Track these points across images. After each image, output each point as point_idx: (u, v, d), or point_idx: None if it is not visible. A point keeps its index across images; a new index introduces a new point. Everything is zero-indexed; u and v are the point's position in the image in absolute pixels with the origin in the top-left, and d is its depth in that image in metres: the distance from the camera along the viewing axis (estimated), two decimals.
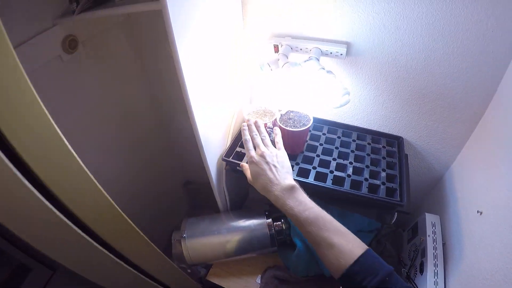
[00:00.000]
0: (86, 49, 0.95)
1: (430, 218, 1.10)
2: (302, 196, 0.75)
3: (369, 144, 1.07)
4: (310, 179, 0.94)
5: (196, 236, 1.07)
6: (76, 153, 0.83)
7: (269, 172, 0.78)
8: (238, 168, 1.01)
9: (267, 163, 0.79)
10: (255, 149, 0.84)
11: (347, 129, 1.13)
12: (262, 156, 0.80)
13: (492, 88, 0.92)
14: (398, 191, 0.95)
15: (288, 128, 0.93)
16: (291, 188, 0.75)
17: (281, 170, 0.79)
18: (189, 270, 1.15)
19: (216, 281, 1.16)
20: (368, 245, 1.20)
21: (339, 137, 1.08)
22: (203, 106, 0.85)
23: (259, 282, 1.15)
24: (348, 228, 1.11)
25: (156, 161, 1.38)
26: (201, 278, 1.18)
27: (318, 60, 0.93)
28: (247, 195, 1.41)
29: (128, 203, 1.24)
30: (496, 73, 0.88)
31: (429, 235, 1.06)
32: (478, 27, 0.81)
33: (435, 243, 1.05)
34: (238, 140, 1.06)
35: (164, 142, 1.39)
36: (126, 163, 1.22)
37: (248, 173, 0.86)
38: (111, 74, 1.08)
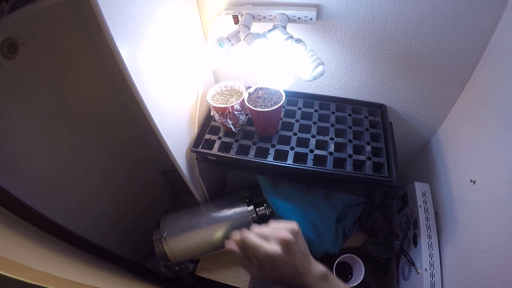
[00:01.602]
0: (28, 51, 0.82)
1: (420, 187, 1.05)
2: (337, 282, 0.59)
3: (349, 115, 0.99)
4: (289, 162, 0.86)
5: (176, 234, 1.01)
6: (43, 164, 0.78)
7: (296, 263, 0.56)
8: (209, 157, 0.93)
9: (294, 253, 0.57)
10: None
11: (325, 100, 1.04)
12: (286, 246, 0.55)
13: (479, 49, 0.84)
14: (385, 166, 0.88)
15: (258, 109, 0.84)
16: (324, 277, 0.58)
17: (306, 254, 0.59)
18: (177, 268, 1.10)
19: (205, 275, 1.12)
20: (358, 219, 1.17)
21: (316, 111, 0.99)
22: (157, 96, 0.75)
23: None
24: (337, 206, 1.07)
25: (131, 156, 1.29)
26: (191, 273, 1.14)
27: (284, 28, 0.83)
28: (226, 180, 1.34)
29: (108, 205, 1.17)
30: (484, 33, 0.81)
31: (420, 206, 1.02)
32: None
33: (427, 214, 1.00)
34: (206, 127, 0.97)
35: (135, 134, 1.29)
36: (99, 163, 1.14)
37: (254, 271, 0.58)
38: (65, 72, 0.96)
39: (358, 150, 0.91)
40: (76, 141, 1.01)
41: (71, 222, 0.92)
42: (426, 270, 0.92)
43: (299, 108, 1.00)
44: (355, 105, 1.03)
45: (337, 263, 1.03)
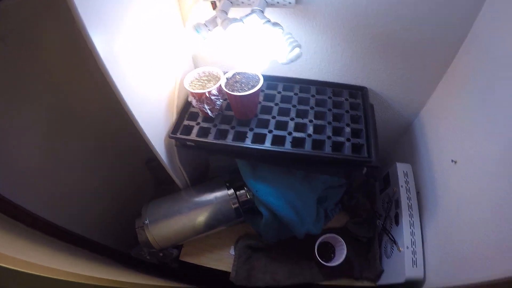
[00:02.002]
0: (8, 45, 0.79)
1: (401, 168, 1.06)
2: None
3: (330, 98, 0.98)
4: (267, 145, 0.86)
5: (158, 221, 1.00)
6: (22, 155, 0.78)
7: None
8: (188, 143, 0.92)
9: None
10: None
11: (305, 84, 1.03)
12: None
13: (463, 32, 0.84)
14: (365, 147, 0.88)
15: (235, 93, 0.82)
16: None
17: None
18: (161, 254, 1.10)
19: (189, 259, 1.13)
20: (340, 201, 1.18)
21: (296, 94, 0.99)
22: (134, 84, 0.74)
23: (233, 253, 1.11)
24: (317, 188, 1.07)
25: (113, 146, 1.28)
26: (176, 259, 1.14)
27: (262, 12, 0.81)
28: (208, 166, 1.33)
29: (92, 195, 1.16)
30: (468, 13, 0.80)
31: (401, 186, 1.03)
32: None
33: (408, 193, 1.02)
34: (184, 113, 0.96)
35: (117, 124, 1.27)
36: (81, 154, 1.12)
37: None
38: (47, 65, 0.93)
39: (337, 131, 0.91)
40: (57, 133, 0.99)
41: (53, 214, 0.91)
42: (407, 248, 0.94)
43: (279, 92, 0.99)
44: (336, 88, 1.02)
45: (319, 243, 1.04)
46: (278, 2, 0.83)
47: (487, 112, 0.75)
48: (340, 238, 1.05)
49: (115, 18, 0.65)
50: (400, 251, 0.95)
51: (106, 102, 1.17)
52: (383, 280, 1.04)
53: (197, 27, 0.80)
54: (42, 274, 0.63)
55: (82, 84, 1.07)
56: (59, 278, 0.68)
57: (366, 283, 1.08)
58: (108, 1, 0.62)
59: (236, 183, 1.06)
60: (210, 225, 1.03)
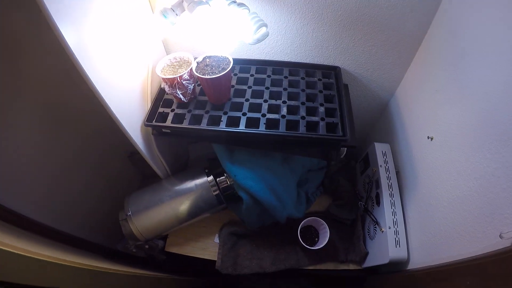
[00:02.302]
0: None
1: (380, 148, 1.06)
2: None
3: (303, 78, 0.99)
4: (241, 127, 0.87)
5: (141, 211, 1.01)
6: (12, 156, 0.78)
7: None
8: (164, 130, 0.92)
9: None
10: None
11: (278, 66, 1.03)
12: None
13: (433, 6, 0.84)
14: (339, 125, 0.88)
15: (206, 76, 0.83)
16: None
17: None
18: (146, 246, 1.10)
19: (175, 250, 1.13)
20: (321, 184, 1.18)
21: (269, 76, 0.99)
22: (105, 72, 0.74)
23: (218, 241, 1.11)
24: (296, 170, 1.07)
25: (96, 142, 1.28)
26: (162, 250, 1.14)
27: None
28: (188, 155, 1.33)
29: (78, 192, 1.16)
30: None
31: (381, 165, 1.03)
32: None
33: (388, 173, 1.02)
34: (159, 100, 0.96)
35: (98, 120, 1.27)
36: (64, 152, 1.12)
37: None
38: (22, 62, 0.93)
39: (311, 112, 0.91)
40: (38, 131, 0.99)
41: (39, 212, 0.91)
42: (390, 228, 0.94)
43: (252, 75, 1.00)
44: (309, 68, 1.03)
45: (301, 227, 1.04)
46: None
47: (458, 85, 0.76)
48: (323, 221, 1.05)
49: (80, 6, 0.65)
50: (382, 231, 0.95)
51: (87, 97, 1.18)
52: (368, 262, 1.04)
53: (164, 12, 0.80)
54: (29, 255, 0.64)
55: (61, 81, 1.07)
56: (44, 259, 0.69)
57: (351, 266, 1.08)
58: None
59: (216, 170, 1.06)
60: (192, 213, 1.03)
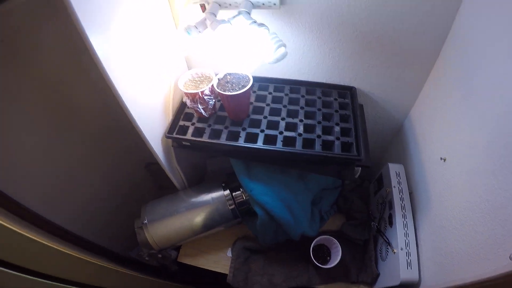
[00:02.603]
0: (7, 46, 0.86)
1: (394, 168, 1.07)
2: None
3: (319, 98, 1.01)
4: (259, 144, 0.89)
5: (157, 220, 1.03)
6: (25, 158, 0.85)
7: None
8: (184, 143, 0.95)
9: None
10: None
11: (295, 85, 1.06)
12: None
13: (445, 28, 0.86)
14: (354, 145, 0.90)
15: (227, 93, 0.86)
16: None
17: None
18: (160, 255, 1.12)
19: (188, 261, 1.14)
20: (335, 203, 1.19)
21: (286, 95, 1.02)
22: (131, 86, 0.78)
23: (230, 255, 1.12)
24: (312, 188, 1.08)
25: (113, 149, 1.32)
26: (174, 260, 1.16)
27: (249, 13, 0.85)
28: (205, 168, 1.36)
29: (91, 197, 1.20)
30: (448, 11, 0.82)
31: (394, 186, 1.03)
32: None
33: (401, 194, 1.02)
34: (180, 114, 1.00)
35: (115, 128, 1.32)
36: (79, 158, 1.17)
37: None
38: (44, 66, 0.99)
39: (327, 130, 0.93)
40: (56, 134, 1.03)
41: (52, 213, 0.94)
42: (402, 249, 0.93)
43: (270, 93, 1.03)
44: (325, 88, 1.05)
45: (314, 245, 1.04)
46: (263, 4, 0.87)
47: (469, 107, 0.76)
48: (335, 240, 1.05)
49: (108, 20, 0.70)
50: (394, 252, 0.94)
51: (105, 104, 1.23)
52: (380, 284, 1.02)
53: (188, 29, 0.84)
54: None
55: (79, 86, 1.12)
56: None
57: (362, 287, 1.07)
58: (100, 5, 0.67)
59: (232, 184, 1.08)
60: (207, 226, 1.04)
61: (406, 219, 0.98)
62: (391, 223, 1.00)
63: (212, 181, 1.10)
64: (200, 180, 1.33)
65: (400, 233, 0.96)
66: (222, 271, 1.09)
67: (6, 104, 0.86)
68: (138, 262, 1.20)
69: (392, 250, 0.96)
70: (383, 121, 1.17)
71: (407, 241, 0.95)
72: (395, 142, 1.24)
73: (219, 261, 1.12)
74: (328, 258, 1.08)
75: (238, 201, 1.05)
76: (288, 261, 1.10)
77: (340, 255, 1.02)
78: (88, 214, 1.17)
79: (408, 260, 0.92)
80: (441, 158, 0.87)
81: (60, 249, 0.79)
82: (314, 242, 1.04)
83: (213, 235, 1.13)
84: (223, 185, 1.07)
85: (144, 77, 0.85)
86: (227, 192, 1.04)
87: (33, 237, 0.71)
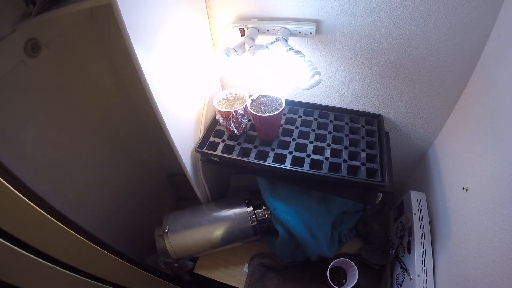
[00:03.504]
0: (50, 51, 0.92)
1: (415, 196, 1.08)
2: None
3: (347, 124, 1.04)
4: (287, 165, 0.92)
5: (178, 230, 1.06)
6: (54, 156, 0.88)
7: None
8: (213, 158, 0.98)
9: None
10: None
11: (324, 110, 1.09)
12: None
13: (473, 60, 0.88)
14: (379, 171, 0.92)
15: (260, 114, 0.90)
16: None
17: None
18: (176, 264, 1.14)
19: (203, 273, 1.16)
20: (355, 226, 1.20)
21: (315, 119, 1.05)
22: (168, 99, 0.82)
23: (247, 270, 1.14)
24: (333, 211, 1.11)
25: (138, 158, 1.36)
26: (190, 271, 1.17)
27: (286, 40, 0.89)
28: (228, 184, 1.39)
29: (111, 204, 1.23)
30: (476, 44, 0.84)
31: (415, 214, 1.04)
32: None
33: (421, 221, 1.03)
34: (211, 130, 1.03)
35: (143, 136, 1.36)
36: (107, 163, 1.21)
37: None
38: (82, 73, 1.05)
39: (353, 156, 0.95)
40: (86, 140, 1.08)
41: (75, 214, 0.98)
42: (418, 276, 0.94)
43: (300, 116, 1.06)
44: (353, 114, 1.08)
45: (331, 267, 1.06)
46: (300, 32, 0.91)
47: (494, 138, 0.78)
48: (353, 263, 1.06)
49: (153, 37, 0.74)
50: (411, 279, 0.95)
51: (134, 115, 1.28)
52: None
53: (227, 51, 0.88)
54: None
55: (113, 96, 1.17)
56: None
57: None
58: (149, 23, 0.71)
59: (255, 201, 1.10)
60: (227, 240, 1.07)
61: (425, 247, 0.99)
62: (409, 249, 1.01)
63: (235, 197, 1.13)
64: (222, 195, 1.36)
65: (418, 260, 0.97)
66: (236, 286, 1.11)
67: (41, 105, 0.91)
68: (153, 269, 1.22)
69: (409, 277, 0.97)
70: (407, 149, 1.19)
71: (424, 268, 0.96)
72: (418, 169, 1.25)
73: (235, 276, 1.14)
74: (344, 281, 1.09)
75: (260, 218, 1.07)
76: (304, 281, 1.11)
77: (357, 278, 1.03)
78: (107, 218, 1.20)
79: (425, 287, 0.93)
80: (463, 188, 0.88)
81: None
82: (332, 263, 1.06)
83: (230, 250, 1.15)
84: (247, 201, 1.09)
85: (180, 93, 0.90)
86: (250, 209, 1.07)
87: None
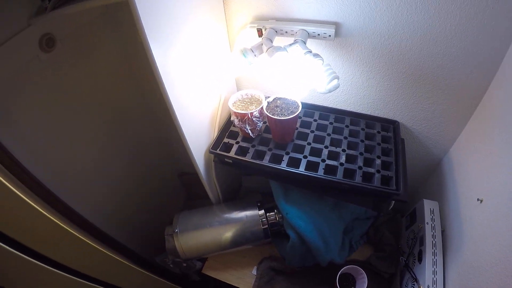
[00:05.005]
0: (64, 46, 0.92)
1: (428, 205, 1.06)
2: None
3: (363, 129, 1.02)
4: (301, 169, 0.90)
5: (188, 231, 1.05)
6: (67, 152, 0.87)
7: None
8: (226, 160, 0.98)
9: None
10: None
11: (340, 114, 1.08)
12: None
13: (492, 69, 0.86)
14: (394, 179, 0.90)
15: (276, 117, 0.89)
16: None
17: None
18: (184, 264, 1.14)
19: (212, 274, 1.15)
20: (366, 233, 1.19)
21: (331, 123, 1.03)
22: (183, 98, 0.81)
23: (255, 273, 1.13)
24: (345, 217, 1.10)
25: (149, 155, 1.36)
26: (198, 271, 1.17)
27: (304, 43, 0.88)
28: (240, 185, 1.38)
29: (122, 201, 1.23)
30: (497, 52, 0.82)
31: (427, 223, 1.03)
32: (477, 3, 0.75)
33: (433, 231, 1.01)
34: (225, 131, 1.02)
35: (156, 135, 1.36)
36: (119, 159, 1.21)
37: None
38: (96, 70, 1.04)
39: (368, 162, 0.94)
40: (99, 137, 1.08)
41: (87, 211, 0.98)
42: (428, 286, 0.93)
43: (315, 120, 1.04)
44: (369, 120, 1.06)
45: (341, 273, 1.05)
46: (319, 35, 0.90)
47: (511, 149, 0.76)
48: (362, 271, 1.05)
49: (170, 37, 0.73)
50: None
51: (150, 112, 1.27)
52: None
53: (244, 52, 0.86)
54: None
55: (128, 93, 1.16)
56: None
57: None
58: (166, 22, 0.70)
59: (267, 204, 1.10)
60: (237, 242, 1.06)
61: (436, 257, 0.97)
62: (420, 259, 1.00)
63: (247, 199, 1.12)
64: (233, 195, 1.35)
65: (428, 270, 0.95)
66: None
67: (56, 101, 0.91)
68: (160, 267, 1.22)
69: (419, 287, 0.96)
70: (421, 156, 1.17)
71: (434, 278, 0.94)
72: (431, 178, 1.24)
73: (243, 278, 1.13)
74: (353, 287, 1.08)
75: (271, 221, 1.06)
76: (312, 286, 1.10)
77: (366, 286, 1.02)
78: (120, 217, 1.20)
79: None
80: (478, 199, 0.87)
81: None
82: (341, 270, 1.05)
83: (240, 252, 1.15)
84: (259, 204, 1.08)
85: (195, 92, 0.89)
86: (262, 212, 1.06)
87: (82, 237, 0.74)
